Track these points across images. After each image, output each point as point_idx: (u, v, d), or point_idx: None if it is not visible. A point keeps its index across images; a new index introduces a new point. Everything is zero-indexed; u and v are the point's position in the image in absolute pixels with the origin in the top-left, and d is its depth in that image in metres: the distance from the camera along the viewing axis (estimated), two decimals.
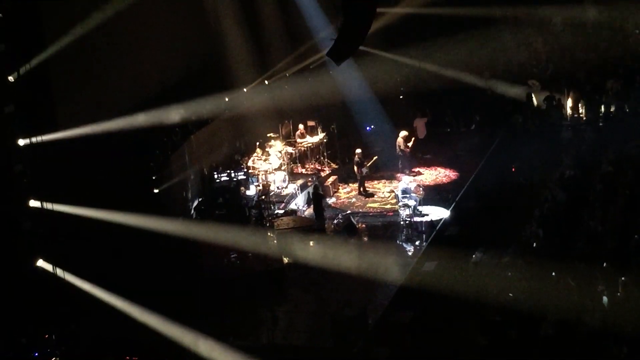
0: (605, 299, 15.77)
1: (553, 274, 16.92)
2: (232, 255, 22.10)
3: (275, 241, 22.42)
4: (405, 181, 24.54)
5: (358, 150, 26.58)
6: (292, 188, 25.83)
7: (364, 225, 23.96)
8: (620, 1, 30.30)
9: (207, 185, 25.60)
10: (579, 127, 27.74)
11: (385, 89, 31.41)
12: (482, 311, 16.46)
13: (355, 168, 26.45)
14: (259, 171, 25.64)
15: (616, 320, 15.00)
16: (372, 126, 31.34)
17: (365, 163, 26.45)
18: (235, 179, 25.22)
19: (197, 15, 27.14)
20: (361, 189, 26.54)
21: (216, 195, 25.66)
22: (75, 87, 21.05)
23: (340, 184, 27.46)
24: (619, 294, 15.84)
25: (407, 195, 23.79)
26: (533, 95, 29.94)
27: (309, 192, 25.31)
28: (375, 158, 27.42)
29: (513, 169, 25.14)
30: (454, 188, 25.87)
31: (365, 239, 23.23)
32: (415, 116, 30.24)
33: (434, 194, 25.34)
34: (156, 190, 21.57)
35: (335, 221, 24.15)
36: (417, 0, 31.64)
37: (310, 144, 28.43)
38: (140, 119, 21.50)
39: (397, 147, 27.59)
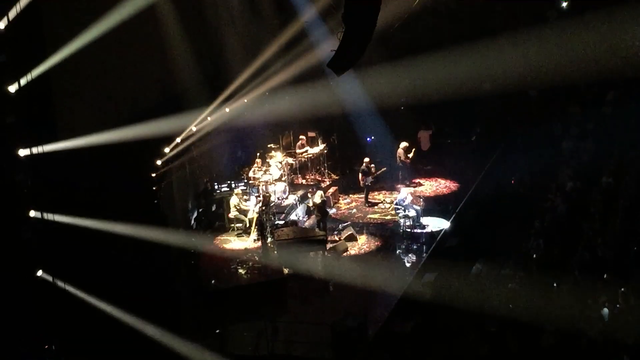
0: (605, 310, 15.77)
1: (554, 284, 16.92)
2: (232, 266, 22.12)
3: (275, 252, 22.41)
4: (405, 192, 24.54)
5: (366, 159, 26.63)
6: (292, 199, 25.83)
7: (364, 236, 23.92)
8: (620, 12, 30.33)
9: (207, 196, 25.57)
10: (579, 138, 27.73)
11: (386, 99, 31.44)
12: (483, 322, 16.45)
13: (360, 176, 26.48)
14: (259, 182, 25.63)
15: (617, 331, 15.00)
16: (373, 137, 31.39)
17: (372, 172, 26.44)
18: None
19: (198, 25, 27.17)
20: (367, 199, 26.59)
21: (216, 206, 25.71)
22: (76, 98, 21.08)
23: (341, 195, 27.48)
24: (619, 305, 15.84)
25: (408, 206, 23.80)
26: (533, 107, 29.97)
27: (310, 202, 25.20)
28: (383, 169, 27.35)
29: (513, 181, 25.13)
30: (454, 199, 25.88)
31: (366, 249, 23.20)
32: (419, 128, 30.25)
33: (434, 205, 25.36)
34: (157, 201, 21.54)
35: (335, 232, 24.16)
36: (417, 11, 31.71)
37: (311, 155, 28.45)
38: (141, 130, 21.50)
39: (398, 158, 27.64)
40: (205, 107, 25.75)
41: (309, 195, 25.90)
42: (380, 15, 14.74)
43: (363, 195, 26.90)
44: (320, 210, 23.71)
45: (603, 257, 17.97)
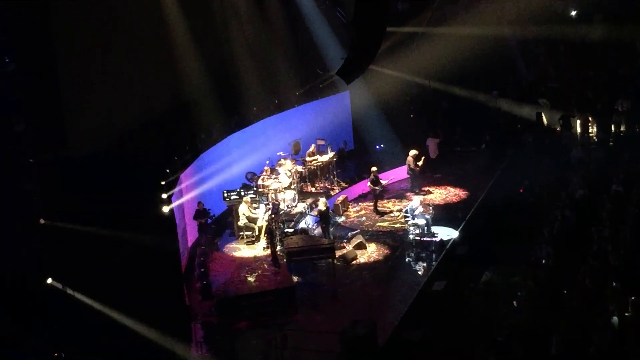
0: (615, 318, 15.71)
1: (563, 292, 16.88)
2: (242, 274, 22.12)
3: (284, 260, 22.41)
4: (418, 201, 24.51)
5: (374, 168, 26.62)
6: (301, 207, 25.80)
7: (373, 244, 23.89)
8: (630, 20, 30.33)
9: (203, 216, 25.29)
10: (589, 146, 27.68)
11: (395, 107, 31.49)
12: (492, 330, 16.41)
13: (370, 185, 26.47)
14: (268, 190, 25.61)
15: (626, 339, 14.94)
16: (382, 145, 31.41)
17: (380, 182, 26.43)
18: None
19: (208, 33, 27.25)
20: (376, 207, 26.57)
21: (225, 214, 25.70)
22: (86, 106, 21.17)
23: (350, 203, 27.45)
24: (628, 313, 15.78)
25: (417, 215, 23.77)
26: (543, 114, 29.94)
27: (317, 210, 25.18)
28: (391, 177, 27.28)
29: (521, 190, 25.06)
30: (463, 207, 25.82)
31: (375, 257, 23.16)
32: (428, 136, 30.21)
33: (443, 213, 25.31)
34: (166, 209, 21.56)
35: (344, 240, 24.14)
36: (424, 20, 31.87)
37: (320, 163, 28.42)
38: (151, 137, 21.58)
39: (407, 166, 27.61)
40: (214, 114, 25.81)
41: (317, 204, 25.84)
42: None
43: (372, 204, 26.86)
44: (324, 217, 23.69)
45: (613, 265, 17.91)
